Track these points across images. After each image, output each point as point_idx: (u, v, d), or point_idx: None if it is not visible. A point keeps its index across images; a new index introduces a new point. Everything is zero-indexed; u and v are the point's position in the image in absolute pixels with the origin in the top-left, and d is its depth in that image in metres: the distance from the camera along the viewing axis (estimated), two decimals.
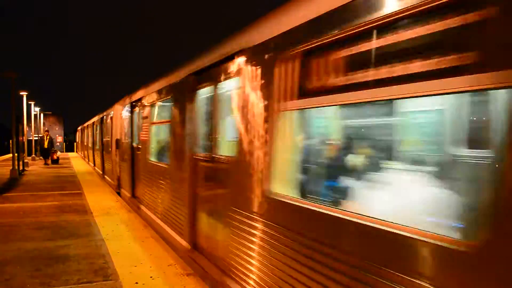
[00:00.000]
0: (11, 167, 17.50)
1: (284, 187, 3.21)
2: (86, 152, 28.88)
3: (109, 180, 14.16)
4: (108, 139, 14.51)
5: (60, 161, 26.31)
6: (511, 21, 1.64)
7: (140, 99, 8.84)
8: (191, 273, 5.23)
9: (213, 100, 4.85)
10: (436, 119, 4.14)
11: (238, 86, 3.96)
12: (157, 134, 7.93)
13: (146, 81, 8.51)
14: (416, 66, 2.05)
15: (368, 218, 2.27)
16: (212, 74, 4.80)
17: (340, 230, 2.47)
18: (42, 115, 43.52)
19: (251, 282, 3.57)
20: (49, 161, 25.07)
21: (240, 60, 3.93)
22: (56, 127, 52.02)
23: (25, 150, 25.59)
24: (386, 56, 2.26)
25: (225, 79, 4.46)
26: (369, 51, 2.38)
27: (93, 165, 22.10)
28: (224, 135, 4.74)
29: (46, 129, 31.84)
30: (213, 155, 4.80)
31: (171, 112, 6.37)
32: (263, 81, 3.44)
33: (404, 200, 2.87)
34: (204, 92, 5.24)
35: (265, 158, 3.38)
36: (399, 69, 2.15)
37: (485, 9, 1.73)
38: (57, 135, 51.19)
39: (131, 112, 9.94)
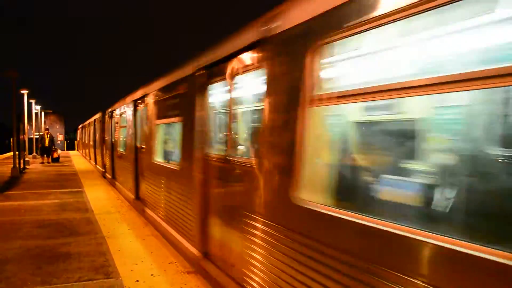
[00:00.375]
0: (12, 165, 17.54)
1: (159, 158, 7.52)
2: (84, 150, 31.41)
3: (100, 168, 18.43)
4: (98, 137, 19.28)
5: (61, 159, 26.33)
6: (182, 103, 5.88)
7: (114, 110, 13.51)
8: (192, 271, 5.25)
9: (141, 115, 9.19)
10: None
11: (145, 111, 8.57)
12: (122, 133, 11.85)
13: (123, 95, 12.49)
14: (171, 113, 6.50)
15: (164, 163, 7.20)
16: (140, 103, 9.29)
17: (168, 171, 6.56)
18: (43, 113, 43.55)
19: (150, 202, 7.94)
20: (49, 159, 24.87)
21: (145, 99, 8.49)
22: (57, 125, 52.00)
23: (26, 149, 25.59)
24: (165, 108, 6.96)
25: (142, 106, 8.97)
26: (163, 106, 7.16)
27: (89, 158, 26.03)
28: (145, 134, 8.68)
29: (47, 127, 31.84)
30: (141, 146, 8.97)
31: (127, 120, 10.72)
32: (149, 110, 8.05)
33: (171, 155, 7.42)
34: (139, 110, 9.52)
35: (151, 145, 7.83)
36: (169, 113, 6.67)
37: (182, 97, 5.76)
38: (58, 134, 51.20)
39: (111, 117, 14.29)
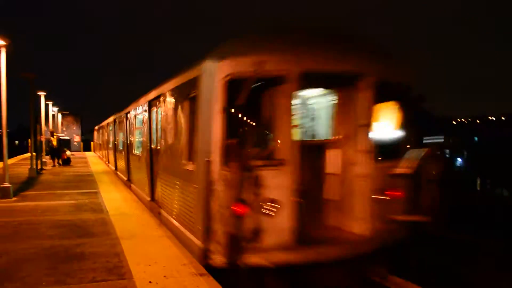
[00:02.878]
0: (29, 166, 17.85)
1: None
2: (101, 151, 32.23)
3: (111, 166, 21.16)
4: (108, 139, 22.30)
5: (76, 160, 26.58)
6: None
7: (123, 115, 15.38)
8: (204, 273, 5.22)
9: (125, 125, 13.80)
10: None
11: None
12: (136, 135, 13.00)
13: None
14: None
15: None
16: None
17: None
18: (60, 115, 44.29)
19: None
20: (59, 161, 24.03)
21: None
22: (73, 126, 52.83)
23: (43, 150, 26.00)
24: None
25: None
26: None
27: (104, 159, 27.81)
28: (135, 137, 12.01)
29: (52, 131, 31.65)
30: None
31: (128, 125, 13.71)
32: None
33: None
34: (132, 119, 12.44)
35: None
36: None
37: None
38: (74, 135, 52.04)
39: (118, 123, 17.09)
